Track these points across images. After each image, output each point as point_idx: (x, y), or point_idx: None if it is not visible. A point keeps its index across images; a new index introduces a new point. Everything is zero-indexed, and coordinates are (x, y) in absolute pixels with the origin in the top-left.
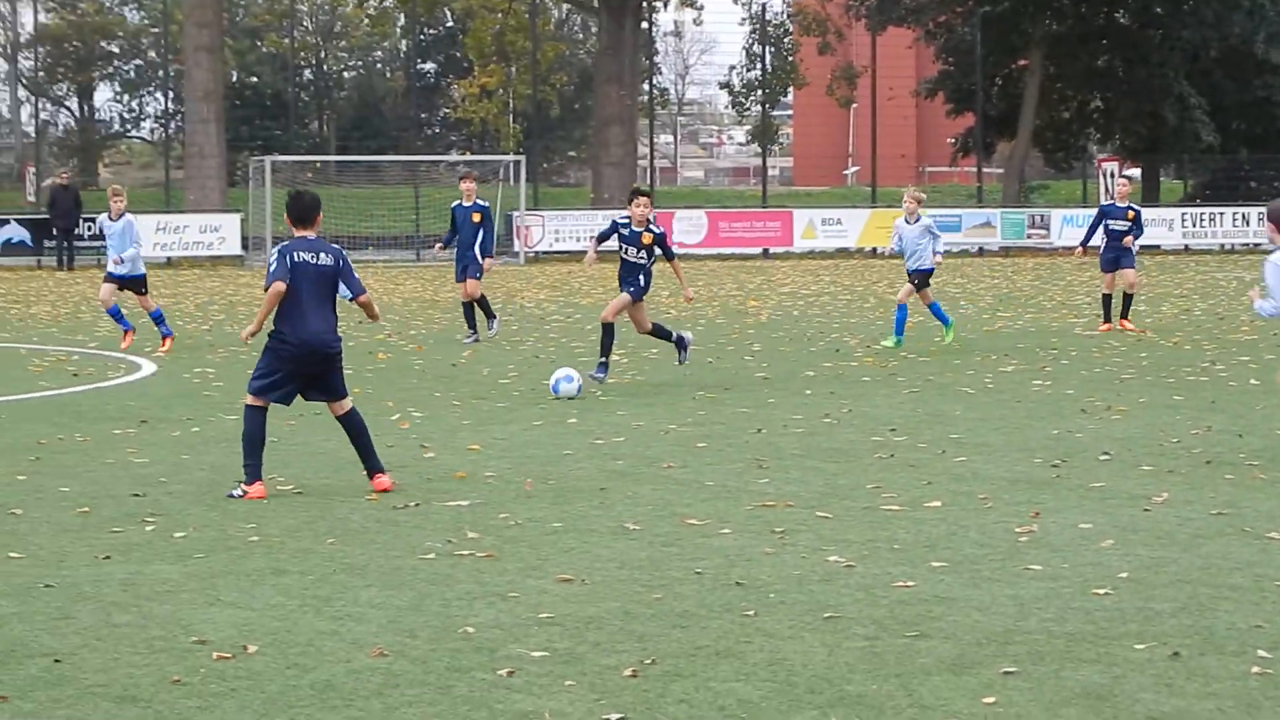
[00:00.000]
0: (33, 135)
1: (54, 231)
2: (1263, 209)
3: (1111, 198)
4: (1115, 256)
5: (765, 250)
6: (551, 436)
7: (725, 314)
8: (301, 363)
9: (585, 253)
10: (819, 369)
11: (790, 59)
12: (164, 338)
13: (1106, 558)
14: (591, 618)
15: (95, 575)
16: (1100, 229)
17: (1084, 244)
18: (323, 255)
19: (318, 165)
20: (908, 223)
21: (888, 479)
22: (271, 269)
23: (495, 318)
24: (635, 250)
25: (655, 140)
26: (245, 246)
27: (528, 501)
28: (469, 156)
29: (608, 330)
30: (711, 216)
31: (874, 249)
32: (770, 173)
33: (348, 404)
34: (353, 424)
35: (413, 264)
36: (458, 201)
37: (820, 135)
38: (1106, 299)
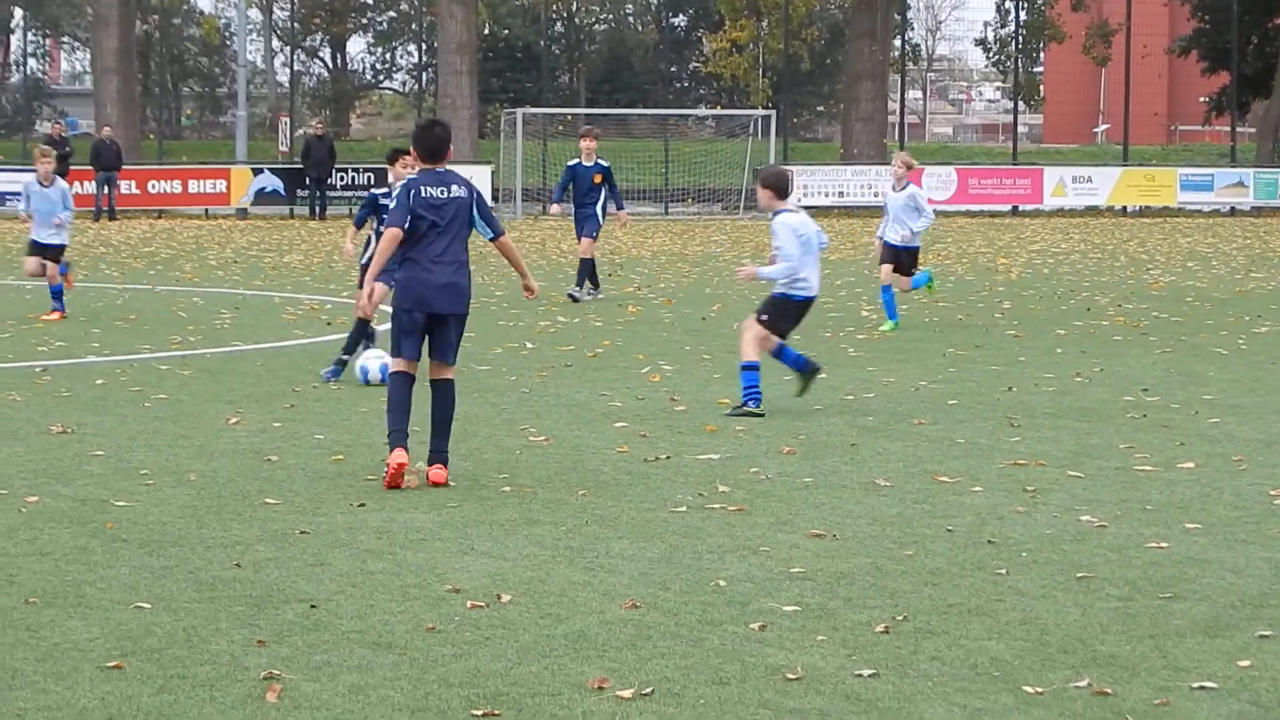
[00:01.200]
0: (286, 86)
1: (307, 181)
2: None
3: None
4: None
5: (1015, 208)
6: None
7: (975, 271)
8: (424, 309)
9: (834, 209)
10: (1070, 327)
11: (1043, 15)
12: (55, 310)
13: None
14: (843, 573)
15: (350, 522)
16: None
17: None
18: (454, 187)
19: (569, 118)
20: (894, 190)
21: (1140, 439)
22: (391, 210)
23: (598, 288)
24: None
25: (905, 96)
26: (496, 198)
27: (779, 456)
28: (719, 111)
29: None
30: (960, 173)
31: (1124, 207)
32: (1020, 130)
33: (449, 372)
34: (445, 397)
35: (661, 217)
36: (576, 160)
37: (1071, 92)
38: None
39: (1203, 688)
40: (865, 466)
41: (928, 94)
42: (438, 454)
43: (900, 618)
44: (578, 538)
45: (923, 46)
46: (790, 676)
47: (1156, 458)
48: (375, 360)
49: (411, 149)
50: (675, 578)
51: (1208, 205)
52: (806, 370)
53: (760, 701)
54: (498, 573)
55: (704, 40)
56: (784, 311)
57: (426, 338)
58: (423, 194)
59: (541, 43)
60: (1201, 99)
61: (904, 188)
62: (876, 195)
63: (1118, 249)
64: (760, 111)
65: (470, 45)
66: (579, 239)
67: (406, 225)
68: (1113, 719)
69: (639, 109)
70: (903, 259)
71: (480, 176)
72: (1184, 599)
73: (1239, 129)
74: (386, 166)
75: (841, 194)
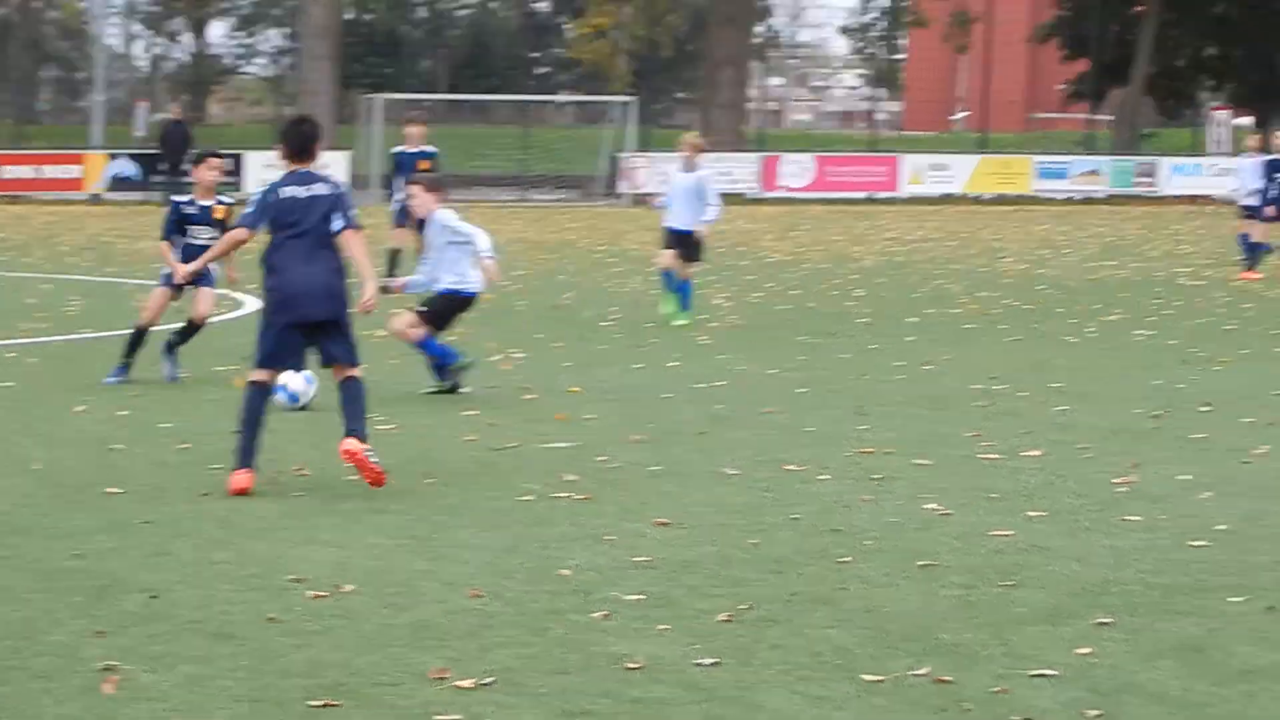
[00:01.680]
0: (145, 70)
1: (163, 167)
2: None
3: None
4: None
5: (871, 195)
6: (653, 380)
7: (829, 259)
8: (299, 318)
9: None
10: (922, 315)
11: (905, 2)
12: None
13: (1205, 509)
14: (688, 562)
15: (194, 512)
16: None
17: (1271, 202)
18: (317, 185)
19: (428, 104)
20: (683, 171)
21: (987, 427)
22: (245, 210)
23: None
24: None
25: (765, 83)
26: (354, 184)
27: (627, 445)
28: (579, 97)
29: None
30: (819, 160)
31: (980, 195)
32: (879, 117)
33: (356, 371)
34: (355, 388)
35: (520, 204)
36: (401, 146)
37: (931, 80)
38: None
39: (1042, 675)
40: (713, 455)
41: (788, 81)
42: (354, 432)
43: (744, 606)
44: (423, 527)
45: (784, 33)
46: (631, 665)
47: (1003, 446)
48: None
49: (278, 145)
50: (520, 567)
51: (1063, 193)
52: (452, 363)
53: (601, 691)
54: (341, 562)
55: (566, 26)
56: (450, 306)
57: (315, 346)
58: (282, 195)
59: (403, 27)
60: (1060, 86)
61: (693, 170)
62: (734, 182)
63: (972, 237)
64: (621, 98)
65: (333, 30)
66: (395, 227)
67: (258, 228)
68: (952, 707)
69: (500, 95)
70: (688, 245)
71: (338, 163)
72: (1026, 587)
73: (1096, 117)
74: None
75: None
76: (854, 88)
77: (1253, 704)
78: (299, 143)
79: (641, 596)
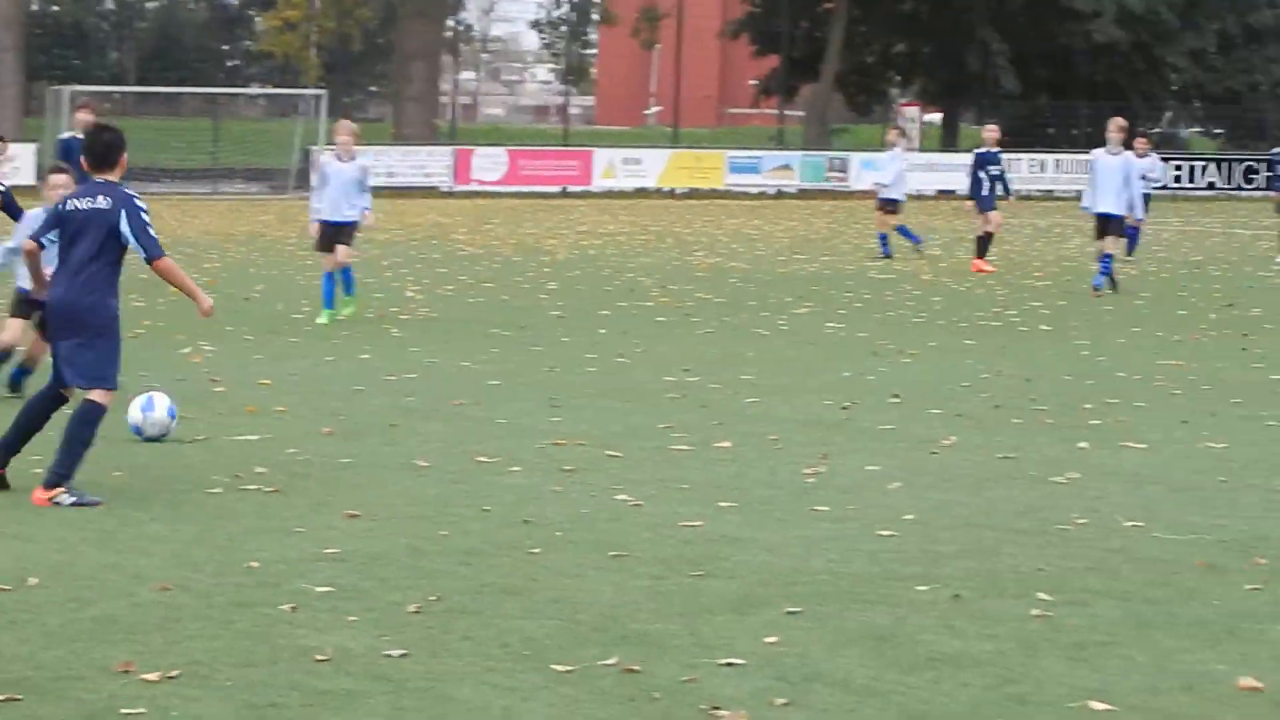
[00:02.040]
0: None
1: None
2: (1062, 156)
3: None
4: (990, 198)
5: (565, 189)
6: (343, 372)
7: (522, 252)
8: (53, 330)
9: (384, 189)
10: (614, 308)
11: None
12: None
13: (893, 500)
14: (378, 554)
15: None
16: (984, 175)
17: (974, 196)
18: (100, 199)
19: (116, 96)
20: (340, 160)
21: (679, 419)
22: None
23: None
24: None
25: (458, 77)
26: (40, 177)
27: (317, 437)
28: (269, 90)
29: None
30: (511, 154)
31: (673, 189)
32: (572, 111)
33: (93, 395)
34: (73, 415)
35: (210, 197)
36: (70, 133)
37: (623, 74)
38: (985, 238)
39: (730, 664)
40: (404, 447)
41: (481, 75)
42: (47, 479)
43: (433, 598)
44: (109, 520)
45: (477, 27)
46: (320, 658)
47: (694, 437)
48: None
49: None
50: (208, 559)
51: (755, 188)
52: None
53: (289, 683)
54: (25, 556)
55: (256, 19)
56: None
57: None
58: (67, 206)
59: (90, 18)
60: (752, 82)
61: (352, 159)
62: (427, 175)
63: (665, 231)
64: (312, 91)
65: (17, 21)
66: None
67: (42, 239)
68: (641, 696)
69: (189, 87)
70: (342, 233)
71: (25, 155)
72: (716, 577)
73: (788, 112)
74: None
75: (392, 174)
76: (547, 83)
77: (938, 691)
78: (96, 152)
79: (330, 589)
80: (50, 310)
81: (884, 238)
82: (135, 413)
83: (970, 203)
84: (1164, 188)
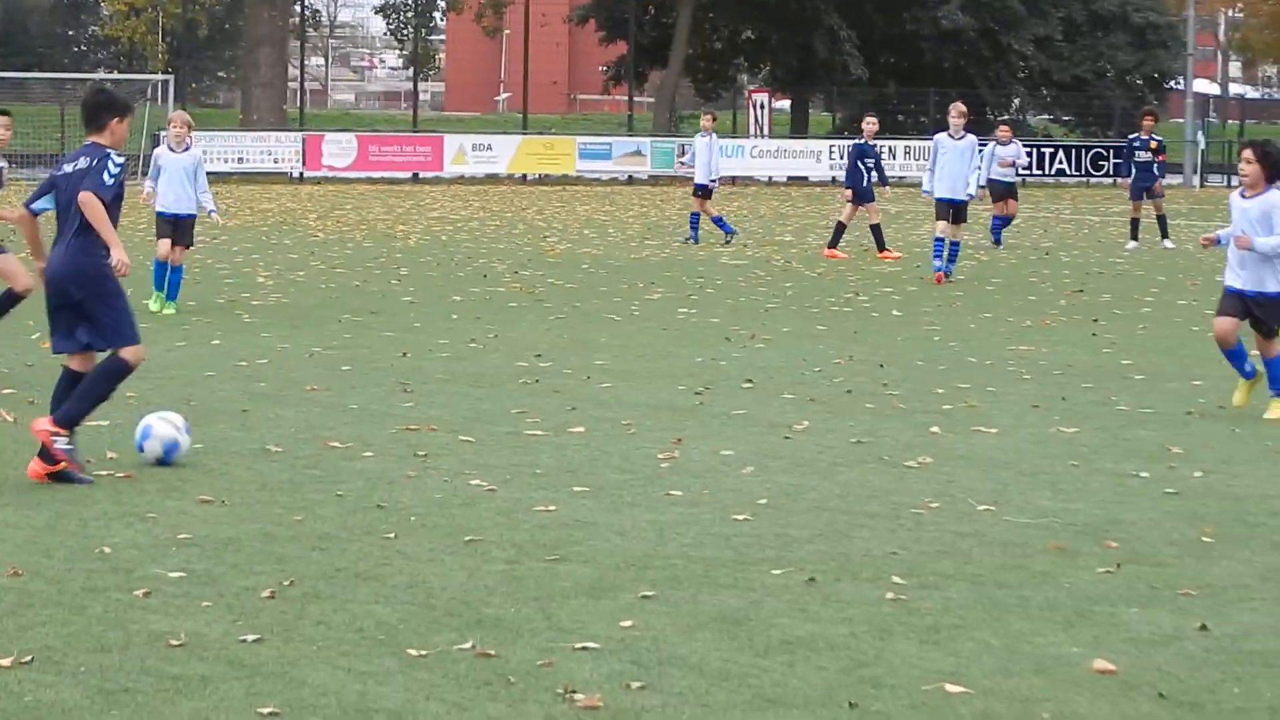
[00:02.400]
0: None
1: None
2: (911, 143)
3: (858, 132)
4: (871, 189)
5: (415, 175)
6: (194, 357)
7: (373, 238)
8: (54, 299)
9: (234, 175)
10: (466, 294)
11: None
12: None
13: (746, 484)
14: (231, 539)
15: None
16: (862, 166)
17: (851, 185)
18: (81, 159)
19: None
20: (173, 150)
21: (532, 404)
22: None
23: None
24: None
25: (306, 63)
26: None
27: None
28: (116, 75)
29: None
30: (361, 140)
31: (524, 175)
32: (422, 97)
33: (128, 355)
34: (100, 369)
35: None
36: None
37: (473, 60)
38: (875, 228)
39: (585, 648)
40: (257, 432)
41: (330, 61)
42: (56, 414)
43: (287, 583)
44: None
45: (324, 13)
46: (173, 643)
47: (548, 422)
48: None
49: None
50: (60, 545)
51: (606, 174)
52: None
53: (142, 668)
54: None
55: (102, 4)
56: None
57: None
58: (59, 170)
59: None
60: (601, 68)
61: (185, 149)
62: (276, 161)
63: (516, 216)
64: (159, 76)
65: None
66: None
67: (34, 205)
68: (496, 680)
69: (35, 72)
70: (181, 229)
71: None
72: (570, 561)
73: (637, 98)
74: None
75: (241, 160)
76: (396, 68)
77: (792, 674)
78: (84, 112)
79: (183, 574)
80: (51, 279)
81: (694, 220)
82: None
83: (849, 191)
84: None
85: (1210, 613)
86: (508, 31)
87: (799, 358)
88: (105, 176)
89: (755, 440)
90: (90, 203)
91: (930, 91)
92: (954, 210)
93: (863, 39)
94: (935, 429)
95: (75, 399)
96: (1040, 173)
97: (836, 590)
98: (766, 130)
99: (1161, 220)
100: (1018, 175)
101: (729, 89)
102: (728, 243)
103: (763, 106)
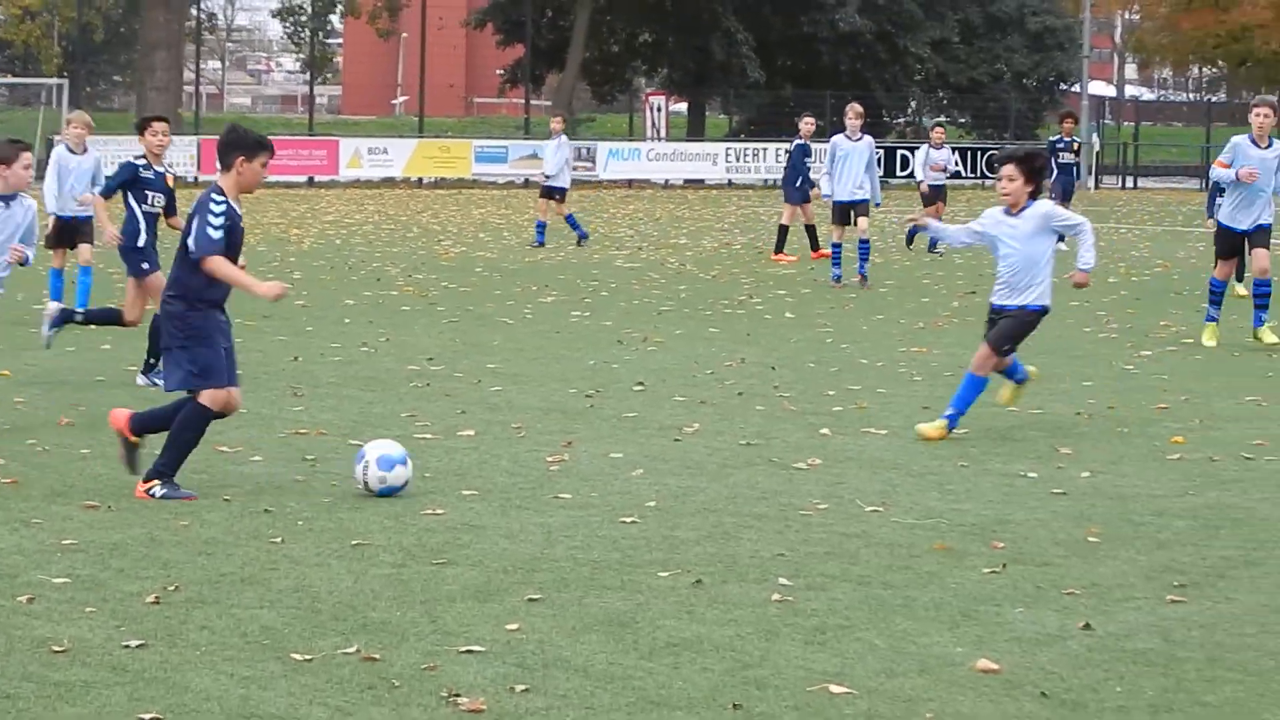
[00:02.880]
0: None
1: None
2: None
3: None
4: (806, 190)
5: (311, 179)
6: (84, 363)
7: (267, 242)
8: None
9: None
10: (359, 298)
11: None
12: None
13: (636, 486)
14: (116, 544)
15: None
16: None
17: (802, 185)
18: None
19: None
20: (72, 152)
21: (423, 408)
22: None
23: None
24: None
25: (202, 66)
26: None
27: (56, 428)
28: (9, 79)
29: None
30: None
31: (420, 179)
32: (319, 101)
33: (204, 399)
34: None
35: None
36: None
37: (370, 64)
38: (810, 229)
39: (470, 651)
40: (146, 438)
41: (226, 65)
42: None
43: (172, 588)
44: None
45: (221, 16)
46: (57, 649)
47: (438, 426)
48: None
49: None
50: None
51: (503, 177)
52: None
53: (24, 674)
54: None
55: None
56: None
57: None
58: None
59: None
60: (498, 71)
61: (85, 151)
62: (172, 165)
63: (411, 220)
64: (53, 80)
65: None
66: None
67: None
68: (380, 684)
69: None
70: (81, 234)
71: None
72: (457, 564)
73: (534, 101)
74: None
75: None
76: (293, 72)
77: (677, 675)
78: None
79: (68, 580)
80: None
81: (541, 226)
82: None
83: (816, 190)
84: (911, 175)
85: (1094, 612)
86: (405, 35)
87: (691, 360)
88: (210, 231)
89: (645, 443)
90: (214, 267)
91: (827, 94)
92: (854, 211)
93: (760, 41)
94: (825, 430)
95: (166, 448)
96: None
97: (723, 592)
98: (663, 133)
99: None
100: (945, 179)
101: (626, 92)
102: (538, 245)
103: (660, 109)
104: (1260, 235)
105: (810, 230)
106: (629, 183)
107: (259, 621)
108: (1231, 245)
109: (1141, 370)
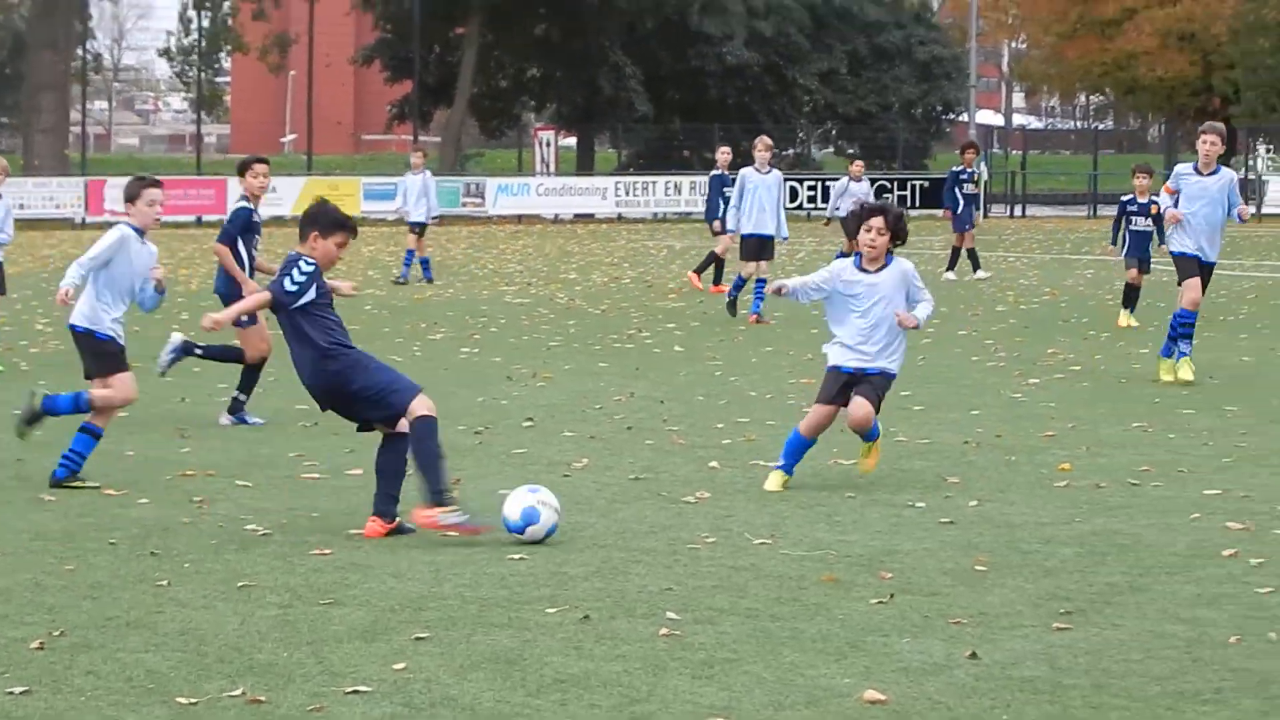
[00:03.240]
0: None
1: None
2: (696, 178)
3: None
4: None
5: (199, 218)
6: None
7: None
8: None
9: (17, 221)
10: None
11: (228, 24)
12: None
13: None
14: (1, 590)
15: None
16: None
17: (714, 219)
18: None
19: None
20: None
21: (311, 447)
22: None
23: None
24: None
25: (90, 107)
26: None
27: None
28: None
29: None
30: None
31: None
32: (208, 140)
33: (418, 409)
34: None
35: None
36: None
37: (258, 102)
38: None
39: (357, 691)
40: (30, 481)
41: (113, 105)
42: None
43: (57, 633)
44: None
45: (108, 56)
46: None
47: (325, 465)
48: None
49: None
50: None
51: (391, 214)
52: None
53: None
54: None
55: None
56: None
57: None
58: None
59: None
60: (386, 107)
61: None
62: (59, 207)
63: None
64: None
65: None
66: None
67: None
68: None
69: None
70: None
71: None
72: (344, 604)
73: (424, 137)
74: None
75: (23, 206)
76: (180, 111)
77: (564, 712)
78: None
79: None
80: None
81: (409, 257)
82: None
83: (718, 223)
84: (800, 207)
85: (981, 640)
86: (293, 72)
87: (580, 395)
88: (288, 284)
89: (535, 479)
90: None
91: (715, 126)
92: (765, 245)
93: (648, 75)
94: (714, 464)
95: (420, 477)
96: (824, 206)
97: (611, 627)
98: (553, 168)
99: (972, 252)
100: None
101: (515, 127)
102: (404, 280)
103: (548, 144)
104: (1207, 269)
105: (714, 260)
106: (518, 218)
107: (144, 665)
108: (1192, 271)
109: (1029, 398)
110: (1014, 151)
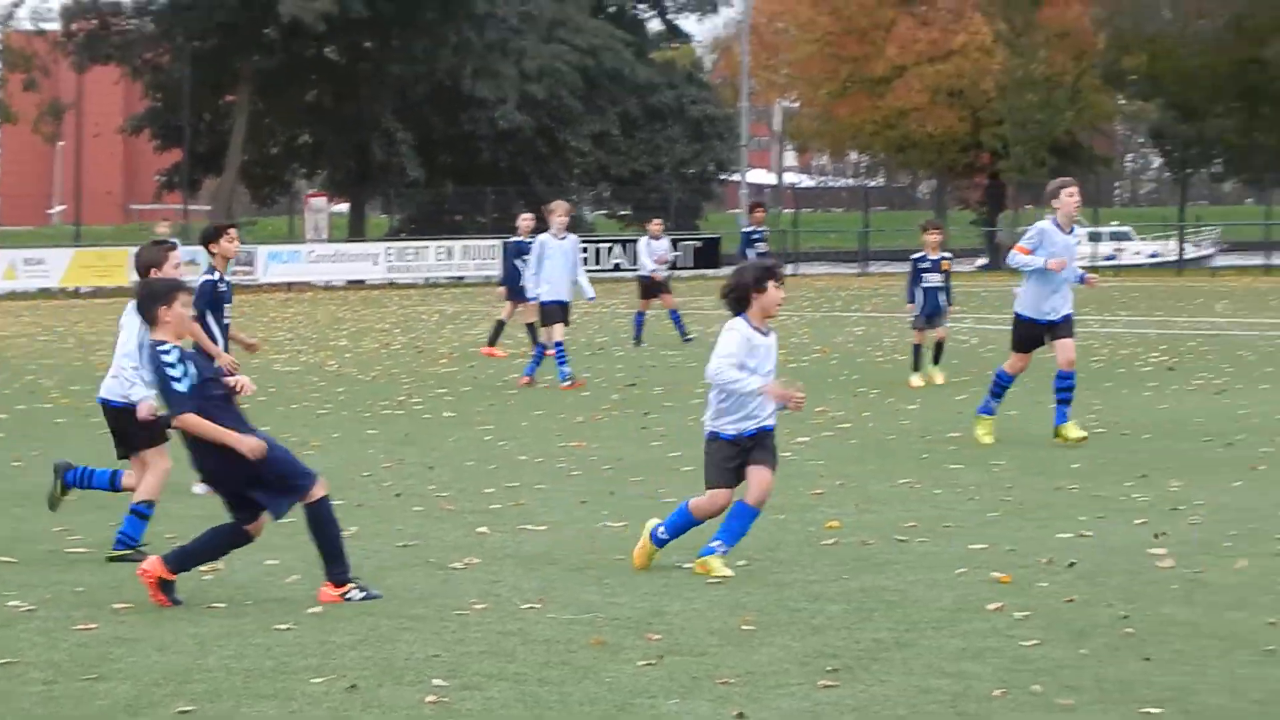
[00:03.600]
0: None
1: None
2: (468, 243)
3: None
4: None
5: None
6: None
7: None
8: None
9: None
10: (12, 412)
11: None
12: None
13: (291, 593)
14: None
15: None
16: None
17: (505, 283)
18: None
19: None
20: None
21: (76, 522)
22: None
23: None
24: None
25: None
26: None
27: None
28: None
29: None
30: None
31: (77, 288)
32: None
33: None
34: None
35: None
36: None
37: (26, 173)
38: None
39: None
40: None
41: None
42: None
43: None
44: None
45: None
46: None
47: (90, 539)
48: None
49: None
50: None
51: None
52: None
53: None
54: None
55: None
56: None
57: None
58: None
59: None
60: (155, 177)
61: None
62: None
63: (68, 331)
64: None
65: None
66: None
67: None
68: None
69: None
70: None
71: None
72: (109, 679)
73: (194, 206)
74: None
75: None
76: None
77: None
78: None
79: None
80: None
81: None
82: None
83: (502, 289)
84: (617, 268)
85: (748, 700)
86: (62, 143)
87: (349, 463)
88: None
89: (303, 548)
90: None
91: (488, 190)
92: (562, 310)
93: (420, 140)
94: (483, 529)
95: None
96: (597, 267)
97: (377, 695)
98: (324, 234)
99: None
100: (666, 271)
101: (286, 194)
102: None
103: (320, 210)
104: (1065, 326)
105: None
106: (289, 285)
107: None
108: (1033, 337)
109: (798, 456)
110: (785, 210)
